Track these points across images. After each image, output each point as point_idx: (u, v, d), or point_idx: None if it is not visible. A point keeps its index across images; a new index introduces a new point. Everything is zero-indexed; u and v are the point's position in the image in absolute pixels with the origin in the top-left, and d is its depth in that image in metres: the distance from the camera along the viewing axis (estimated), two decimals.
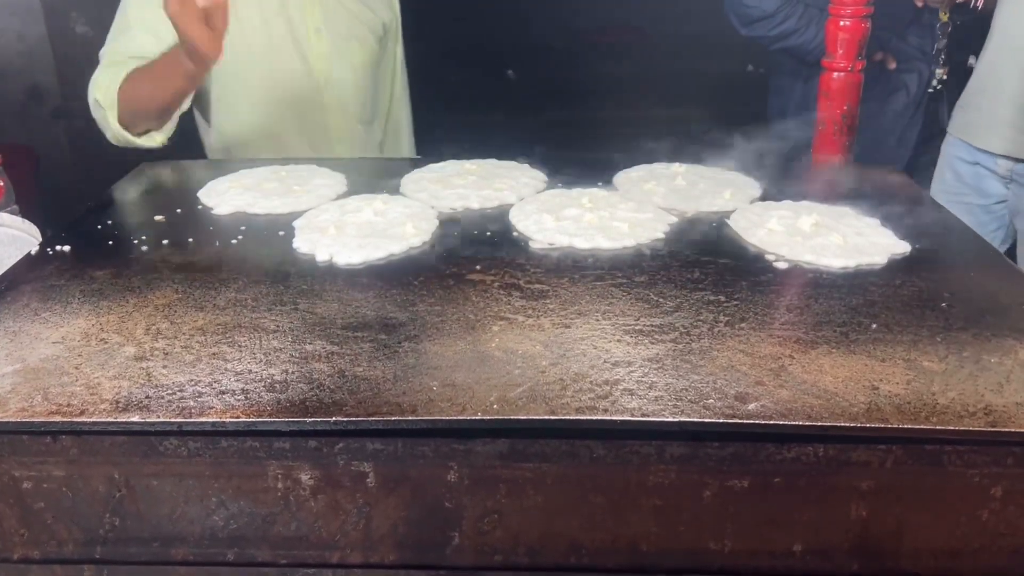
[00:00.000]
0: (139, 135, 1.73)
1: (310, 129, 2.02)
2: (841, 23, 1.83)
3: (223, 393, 0.93)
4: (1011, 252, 2.31)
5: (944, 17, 2.23)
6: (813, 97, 2.48)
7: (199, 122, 2.08)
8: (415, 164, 1.74)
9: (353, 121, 2.07)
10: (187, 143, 2.09)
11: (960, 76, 2.40)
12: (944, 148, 2.37)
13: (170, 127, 1.76)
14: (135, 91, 1.66)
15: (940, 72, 2.26)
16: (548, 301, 1.15)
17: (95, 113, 1.74)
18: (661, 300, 1.15)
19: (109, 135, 1.75)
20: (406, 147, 2.33)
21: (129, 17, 1.81)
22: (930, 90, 2.29)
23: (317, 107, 2.00)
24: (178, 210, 1.52)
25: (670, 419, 0.88)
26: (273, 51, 1.93)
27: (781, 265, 1.26)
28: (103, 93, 1.68)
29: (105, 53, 1.80)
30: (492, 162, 1.75)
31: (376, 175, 1.68)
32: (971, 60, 2.34)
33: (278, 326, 1.08)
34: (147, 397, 0.92)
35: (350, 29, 1.99)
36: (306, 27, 1.94)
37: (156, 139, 1.76)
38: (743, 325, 1.08)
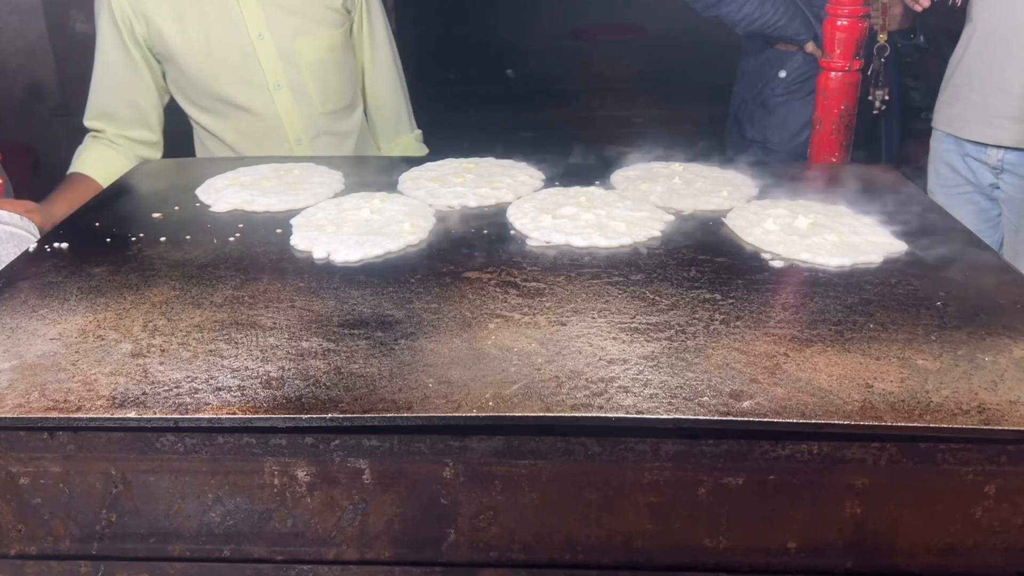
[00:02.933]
0: None
1: (265, 134, 1.98)
2: (839, 23, 1.84)
3: (220, 390, 0.93)
4: None
5: (883, 40, 2.24)
6: (768, 78, 2.50)
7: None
8: (413, 162, 1.75)
9: (316, 115, 2.00)
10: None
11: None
12: (932, 144, 2.38)
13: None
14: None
15: (881, 94, 2.27)
16: (544, 299, 1.15)
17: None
18: (657, 298, 1.15)
19: None
20: (405, 126, 2.22)
21: (95, 75, 1.96)
22: (874, 112, 2.30)
23: (269, 110, 1.96)
24: (176, 207, 1.52)
25: (665, 416, 0.88)
26: (215, 63, 1.90)
27: (777, 264, 1.27)
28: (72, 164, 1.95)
29: (90, 98, 2.00)
30: (490, 160, 1.75)
31: (374, 173, 1.68)
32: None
33: (275, 323, 1.09)
34: (144, 393, 0.92)
35: (296, 26, 1.92)
36: (248, 33, 1.89)
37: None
38: (738, 323, 1.08)
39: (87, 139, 2.00)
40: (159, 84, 1.98)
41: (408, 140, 2.22)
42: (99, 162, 1.92)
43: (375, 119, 2.20)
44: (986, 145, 2.19)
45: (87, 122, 1.99)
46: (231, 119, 1.97)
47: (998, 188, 2.25)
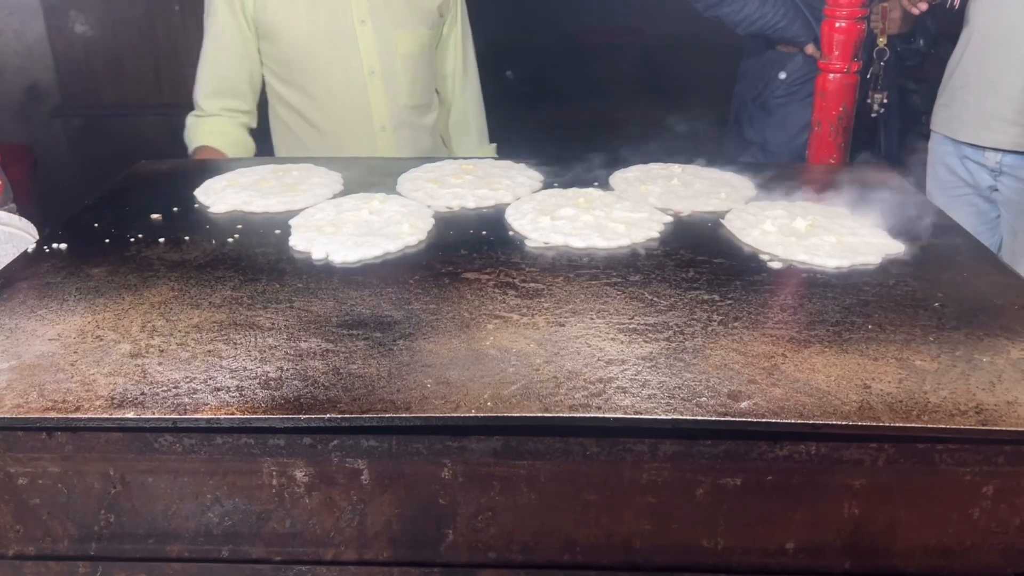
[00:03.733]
0: None
1: (351, 117, 2.05)
2: (837, 24, 1.84)
3: (218, 390, 0.93)
4: None
5: (882, 43, 2.25)
6: (768, 79, 2.51)
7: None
8: (412, 163, 1.75)
9: (401, 107, 2.09)
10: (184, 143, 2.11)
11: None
12: (931, 146, 2.38)
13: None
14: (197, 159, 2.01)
15: (880, 97, 2.28)
16: (543, 300, 1.15)
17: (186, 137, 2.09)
18: (655, 299, 1.15)
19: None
20: (475, 136, 2.30)
21: (205, 50, 2.03)
22: (872, 115, 2.31)
23: (361, 95, 2.04)
24: (175, 208, 1.52)
25: (663, 417, 0.88)
26: (317, 43, 1.98)
27: (775, 265, 1.27)
28: (189, 145, 2.06)
29: (197, 82, 2.07)
30: (489, 162, 1.76)
31: (373, 174, 1.68)
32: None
33: (273, 324, 1.09)
34: (142, 394, 0.92)
35: (397, 19, 2.03)
36: (351, 19, 1.98)
37: None
38: (737, 324, 1.08)
39: (194, 118, 2.08)
40: (258, 58, 2.06)
41: (488, 152, 2.30)
42: (217, 133, 2.03)
43: (459, 126, 2.28)
44: (984, 148, 2.20)
45: (203, 99, 2.05)
46: (319, 99, 2.05)
47: (996, 190, 2.25)
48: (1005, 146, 2.14)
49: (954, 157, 2.29)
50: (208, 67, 2.04)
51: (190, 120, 2.08)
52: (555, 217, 1.41)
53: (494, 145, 2.33)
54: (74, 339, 1.05)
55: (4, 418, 0.90)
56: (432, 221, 1.43)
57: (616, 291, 1.18)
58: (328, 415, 0.89)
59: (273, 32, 1.97)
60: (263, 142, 2.16)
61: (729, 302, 1.14)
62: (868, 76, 2.21)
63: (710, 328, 1.07)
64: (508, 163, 1.74)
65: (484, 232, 1.40)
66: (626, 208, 1.46)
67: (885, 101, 2.27)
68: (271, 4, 1.96)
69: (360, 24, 1.99)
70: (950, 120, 2.27)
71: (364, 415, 0.89)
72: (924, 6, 2.15)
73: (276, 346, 1.03)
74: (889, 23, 2.29)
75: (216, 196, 1.55)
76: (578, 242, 1.33)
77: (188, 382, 0.95)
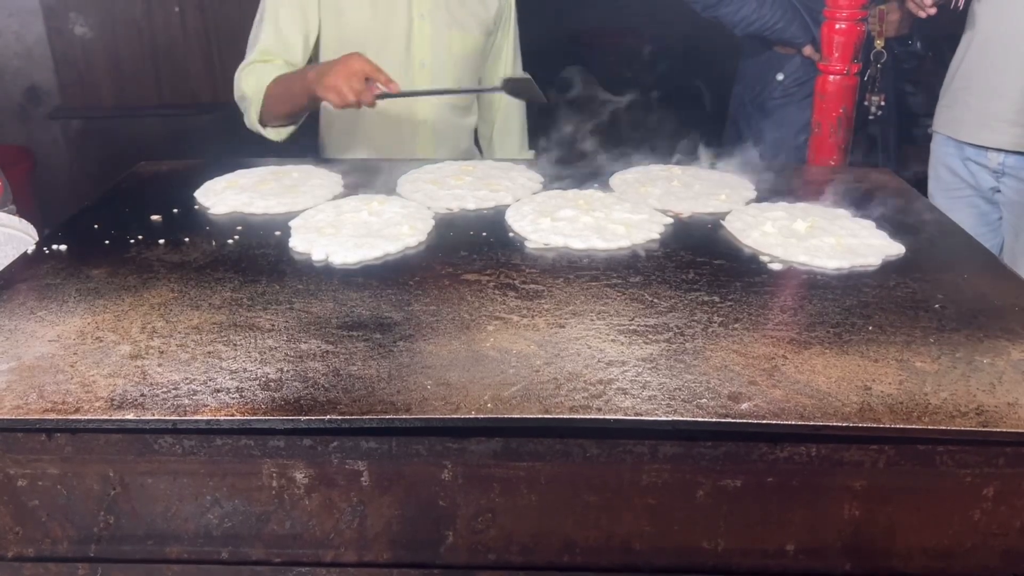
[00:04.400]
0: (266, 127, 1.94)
1: (396, 105, 2.01)
2: (836, 26, 1.84)
3: (218, 391, 0.93)
4: None
5: (879, 45, 2.25)
6: (766, 81, 2.51)
7: None
8: (412, 165, 1.75)
9: (444, 103, 2.09)
10: (185, 143, 2.10)
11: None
12: (932, 147, 2.38)
13: (291, 129, 1.96)
14: (275, 94, 1.88)
15: (877, 99, 2.28)
16: (543, 301, 1.15)
17: (240, 103, 1.95)
18: (656, 300, 1.15)
19: (247, 122, 1.96)
20: (517, 141, 2.30)
21: (264, 9, 1.97)
22: (870, 117, 2.31)
23: (408, 85, 1.98)
24: (175, 210, 1.52)
25: (663, 418, 0.88)
26: (375, 32, 1.97)
27: (775, 266, 1.27)
28: (251, 90, 1.90)
29: (249, 45, 1.98)
30: (489, 163, 1.76)
31: (372, 175, 1.68)
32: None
33: (273, 325, 1.09)
34: (142, 395, 0.92)
35: (455, 18, 2.03)
36: (411, 12, 1.99)
37: (278, 134, 1.95)
38: (737, 325, 1.08)
39: (247, 66, 1.95)
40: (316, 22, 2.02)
41: (527, 156, 2.29)
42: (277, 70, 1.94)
43: (502, 131, 2.28)
44: (986, 148, 2.20)
45: (256, 55, 1.96)
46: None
47: (999, 191, 2.25)
48: (1007, 147, 2.14)
49: (956, 158, 2.29)
50: (265, 25, 1.97)
51: (242, 73, 1.95)
52: (555, 218, 1.41)
53: (532, 152, 2.33)
54: (74, 340, 1.05)
55: (4, 419, 0.90)
56: (432, 222, 1.43)
57: (616, 292, 1.18)
58: (328, 416, 0.89)
59: (339, 10, 1.96)
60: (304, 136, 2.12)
61: (729, 303, 1.14)
62: (866, 78, 2.21)
63: (710, 329, 1.07)
64: (508, 164, 1.74)
65: (484, 233, 1.40)
66: (626, 209, 1.46)
67: (883, 103, 2.28)
68: None
69: (419, 18, 2.00)
70: (952, 121, 2.27)
71: (364, 416, 0.89)
72: (933, 11, 2.15)
73: (276, 347, 1.03)
74: (887, 26, 2.29)
75: (216, 197, 1.55)
76: (578, 243, 1.33)
77: (188, 383, 0.95)
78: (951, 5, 2.18)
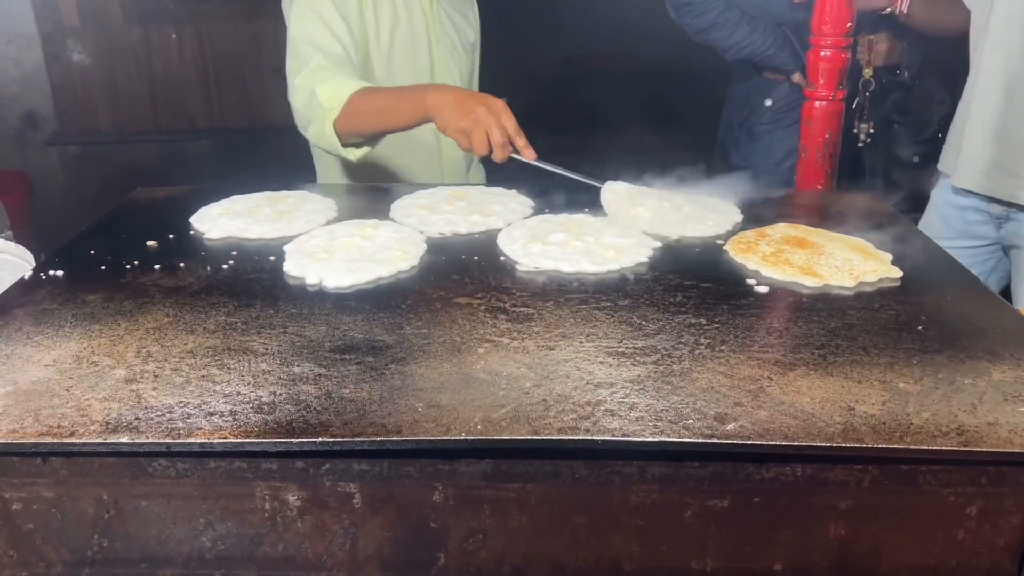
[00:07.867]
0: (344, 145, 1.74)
1: (421, 134, 1.90)
2: (822, 53, 1.88)
3: (212, 415, 0.94)
4: (1005, 293, 2.22)
5: (868, 75, 2.28)
6: (754, 105, 2.55)
7: None
8: (406, 189, 1.77)
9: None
10: (182, 169, 2.12)
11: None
12: (934, 192, 2.30)
13: (366, 149, 1.78)
14: (364, 108, 1.68)
15: (866, 127, 2.31)
16: (533, 324, 1.17)
17: (305, 111, 1.74)
18: (644, 323, 1.17)
19: (311, 133, 1.76)
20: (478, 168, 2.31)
21: (300, 11, 1.80)
22: (859, 144, 2.34)
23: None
24: (170, 235, 1.54)
25: (650, 439, 0.90)
26: (401, 49, 1.97)
27: (762, 289, 1.29)
28: (329, 97, 1.68)
29: (298, 55, 1.78)
30: (481, 188, 1.78)
31: (366, 201, 1.70)
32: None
33: (267, 349, 1.10)
34: (137, 419, 0.93)
35: (454, 39, 2.07)
36: (428, 37, 2.00)
37: (356, 153, 1.76)
38: (723, 347, 1.10)
39: (306, 78, 1.73)
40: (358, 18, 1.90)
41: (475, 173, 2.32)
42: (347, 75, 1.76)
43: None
44: (989, 199, 2.11)
45: (320, 53, 1.77)
46: None
47: (994, 244, 2.15)
48: (1006, 197, 2.06)
49: (953, 206, 2.16)
50: (313, 24, 1.79)
51: (310, 78, 1.71)
52: (546, 242, 1.43)
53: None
54: (70, 365, 1.06)
55: (0, 443, 0.91)
56: (424, 247, 1.45)
57: (605, 315, 1.20)
58: (320, 439, 0.90)
59: (364, 27, 1.89)
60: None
61: (716, 326, 1.16)
62: (854, 107, 2.23)
63: (697, 351, 1.09)
64: (500, 189, 1.76)
65: (476, 257, 1.42)
66: (616, 234, 1.48)
67: (871, 131, 2.30)
68: (363, 4, 1.88)
69: (436, 43, 2.03)
70: (953, 164, 2.16)
71: (356, 439, 0.90)
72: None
73: (269, 371, 1.04)
74: (875, 55, 2.32)
75: (211, 223, 1.57)
76: (568, 267, 1.35)
77: (182, 407, 0.96)
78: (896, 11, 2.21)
